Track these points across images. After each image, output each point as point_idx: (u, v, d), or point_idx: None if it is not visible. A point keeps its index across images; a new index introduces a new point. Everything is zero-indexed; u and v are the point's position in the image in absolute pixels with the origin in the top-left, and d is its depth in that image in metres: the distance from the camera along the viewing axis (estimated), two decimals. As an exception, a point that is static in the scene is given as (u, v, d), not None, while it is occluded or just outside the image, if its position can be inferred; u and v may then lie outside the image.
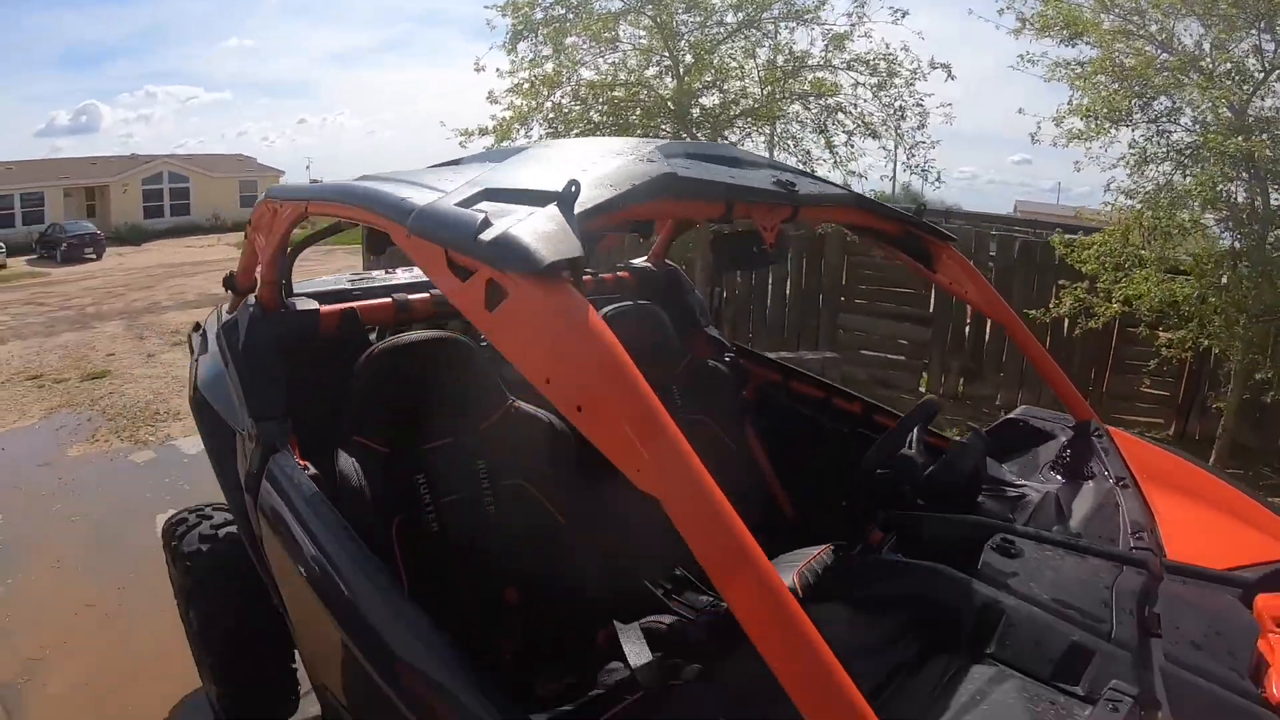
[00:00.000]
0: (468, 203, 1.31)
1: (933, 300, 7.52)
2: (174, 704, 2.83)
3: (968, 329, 7.42)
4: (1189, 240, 4.89)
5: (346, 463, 1.85)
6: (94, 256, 23.89)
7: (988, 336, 7.28)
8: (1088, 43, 4.86)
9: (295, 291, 2.45)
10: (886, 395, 7.45)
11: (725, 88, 6.97)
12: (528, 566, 1.96)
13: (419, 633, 1.41)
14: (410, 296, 2.57)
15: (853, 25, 6.65)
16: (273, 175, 35.51)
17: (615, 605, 1.68)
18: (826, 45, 6.70)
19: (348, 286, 2.69)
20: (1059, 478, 1.95)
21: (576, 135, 6.95)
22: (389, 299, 2.55)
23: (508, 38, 6.84)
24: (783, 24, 6.81)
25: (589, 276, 2.95)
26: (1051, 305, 5.86)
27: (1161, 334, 5.54)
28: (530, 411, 2.12)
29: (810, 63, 6.76)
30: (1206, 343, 5.04)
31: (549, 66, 6.97)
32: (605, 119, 6.99)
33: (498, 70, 7.05)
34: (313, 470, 1.91)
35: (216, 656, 2.52)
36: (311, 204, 1.90)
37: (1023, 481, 1.93)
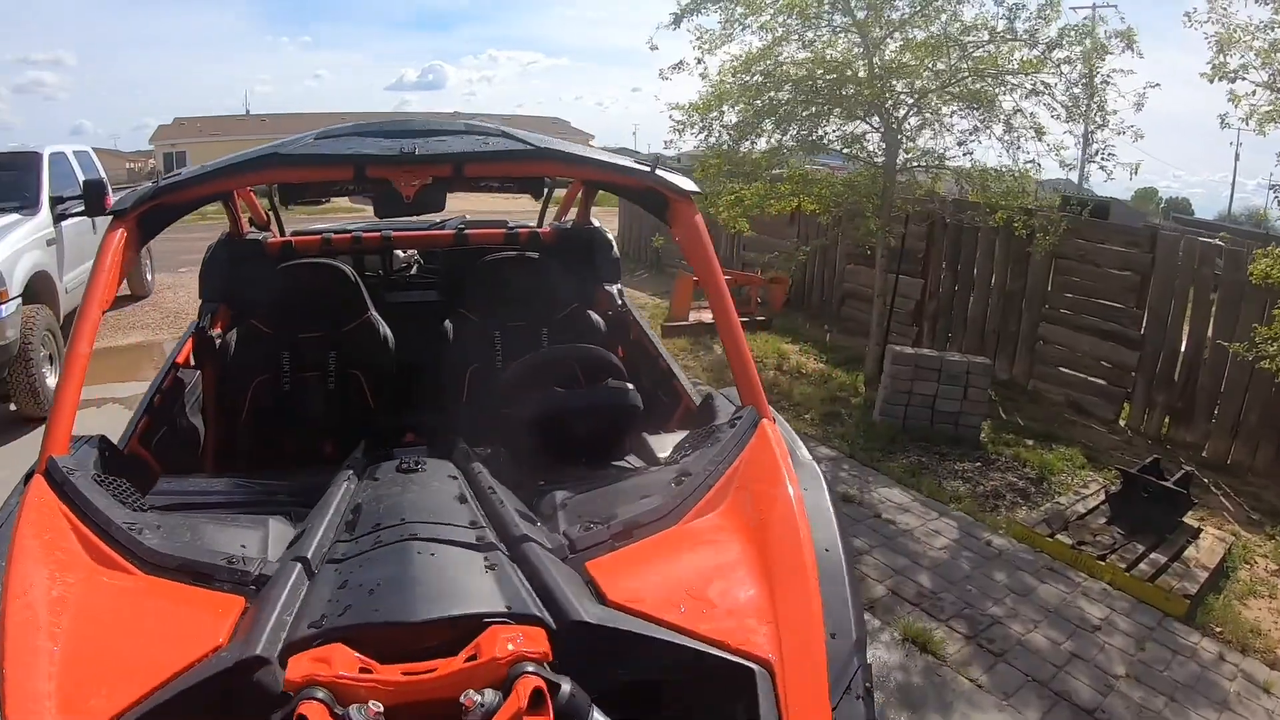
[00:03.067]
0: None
1: (1144, 320, 6.38)
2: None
3: (1180, 359, 6.19)
4: None
5: (233, 334, 2.86)
6: (408, 199, 27.77)
7: (1202, 373, 6.02)
8: None
9: (310, 230, 3.70)
10: (1078, 422, 6.53)
11: (931, 65, 6.40)
12: (345, 429, 2.59)
13: None
14: (333, 235, 3.51)
15: None
16: (582, 137, 38.52)
17: None
18: (1017, 16, 5.91)
19: (332, 228, 3.76)
20: (676, 458, 1.90)
21: (762, 109, 6.75)
22: (318, 235, 3.52)
23: (674, 17, 6.76)
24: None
25: (504, 229, 3.67)
26: (1255, 337, 4.70)
27: None
28: (376, 325, 2.87)
29: (1016, 39, 5.99)
30: None
31: (752, 42, 6.83)
32: (802, 101, 6.73)
33: (697, 49, 7.01)
34: (216, 333, 2.93)
35: None
36: None
37: (640, 459, 2.08)
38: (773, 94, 6.74)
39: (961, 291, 7.93)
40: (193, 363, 2.89)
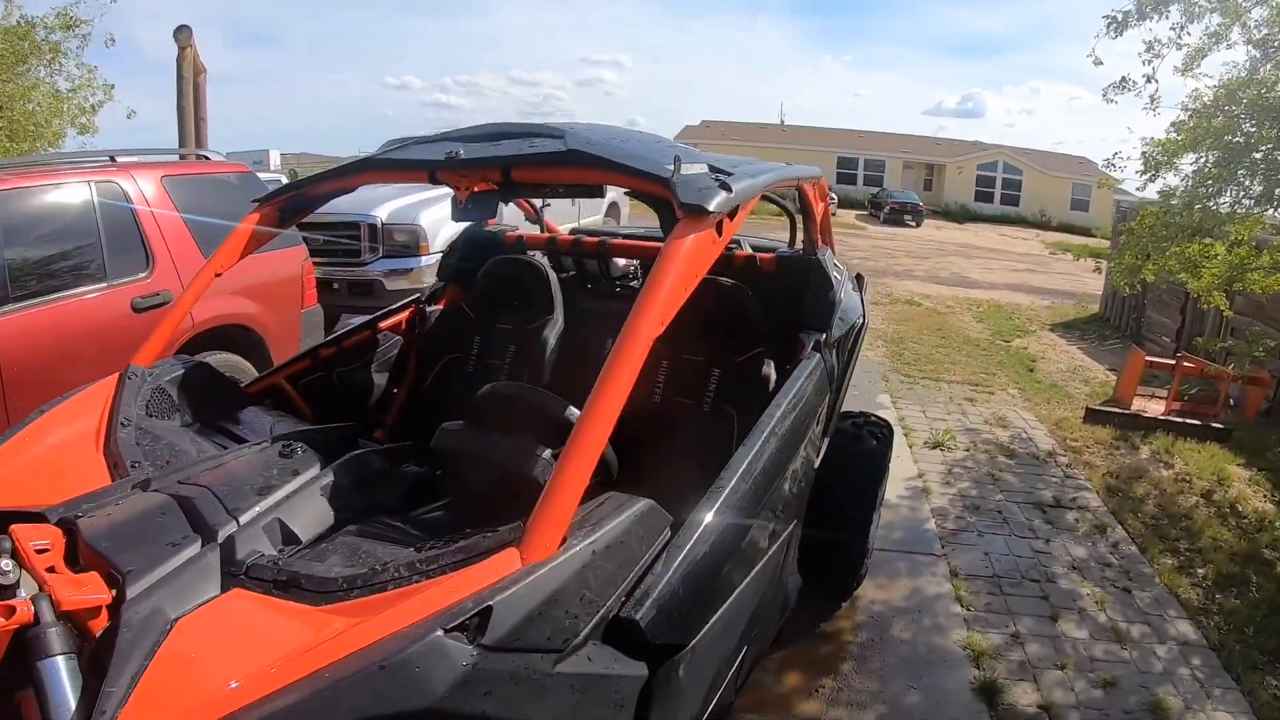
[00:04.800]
0: None
1: None
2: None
3: None
4: None
5: (437, 311, 3.25)
6: (913, 224, 26.38)
7: None
8: None
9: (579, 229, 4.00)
10: None
11: None
12: None
13: None
14: (559, 235, 3.68)
15: None
16: (1105, 180, 33.61)
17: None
18: None
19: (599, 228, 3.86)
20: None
21: (1241, 148, 5.13)
22: (546, 233, 3.79)
23: (1109, 22, 5.40)
24: None
25: (729, 250, 3.27)
26: None
27: None
28: (552, 329, 2.88)
29: None
30: None
31: (1236, 60, 5.23)
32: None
33: (1148, 63, 5.51)
34: (436, 307, 3.29)
35: None
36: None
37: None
38: (1254, 129, 5.16)
39: None
40: (415, 328, 3.23)
